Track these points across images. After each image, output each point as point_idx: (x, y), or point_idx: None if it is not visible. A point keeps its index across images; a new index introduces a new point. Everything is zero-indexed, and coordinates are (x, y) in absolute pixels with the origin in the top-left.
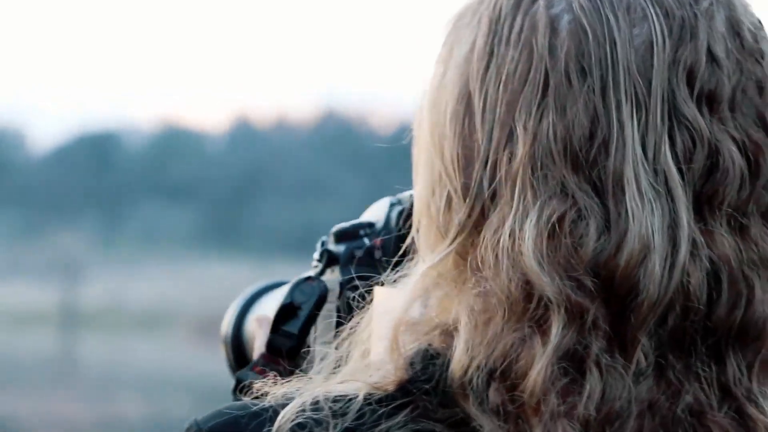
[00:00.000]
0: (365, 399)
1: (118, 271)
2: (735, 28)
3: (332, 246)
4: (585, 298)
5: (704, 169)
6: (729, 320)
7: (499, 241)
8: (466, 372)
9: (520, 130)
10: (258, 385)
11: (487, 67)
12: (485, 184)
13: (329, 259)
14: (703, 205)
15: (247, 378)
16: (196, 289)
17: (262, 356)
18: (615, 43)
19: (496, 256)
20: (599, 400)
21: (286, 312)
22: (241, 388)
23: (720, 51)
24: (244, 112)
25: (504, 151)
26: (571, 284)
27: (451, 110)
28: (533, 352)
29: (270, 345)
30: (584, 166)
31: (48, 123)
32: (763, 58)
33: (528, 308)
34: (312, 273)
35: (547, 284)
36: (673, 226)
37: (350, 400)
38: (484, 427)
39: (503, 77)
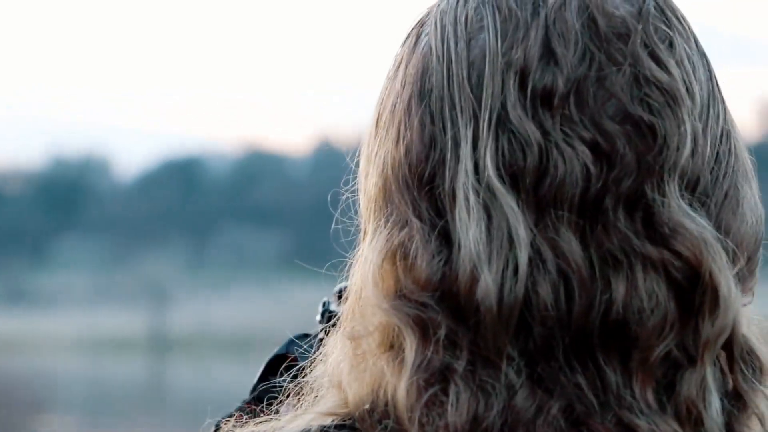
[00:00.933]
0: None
1: (206, 296)
2: (591, 15)
3: (335, 306)
4: (432, 315)
5: (536, 175)
6: (587, 324)
7: (354, 275)
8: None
9: (372, 162)
10: (227, 427)
11: (376, 109)
12: (362, 221)
13: (330, 320)
14: (543, 210)
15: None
16: (283, 312)
17: (245, 403)
18: (451, 60)
19: (354, 290)
20: (469, 414)
21: (278, 363)
22: None
23: (559, 46)
24: (327, 133)
25: (365, 184)
26: (415, 305)
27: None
28: (395, 377)
29: (252, 392)
30: (424, 188)
31: (134, 149)
32: (628, 41)
33: (385, 337)
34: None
35: (387, 311)
36: (507, 239)
37: None
38: None
39: (380, 117)
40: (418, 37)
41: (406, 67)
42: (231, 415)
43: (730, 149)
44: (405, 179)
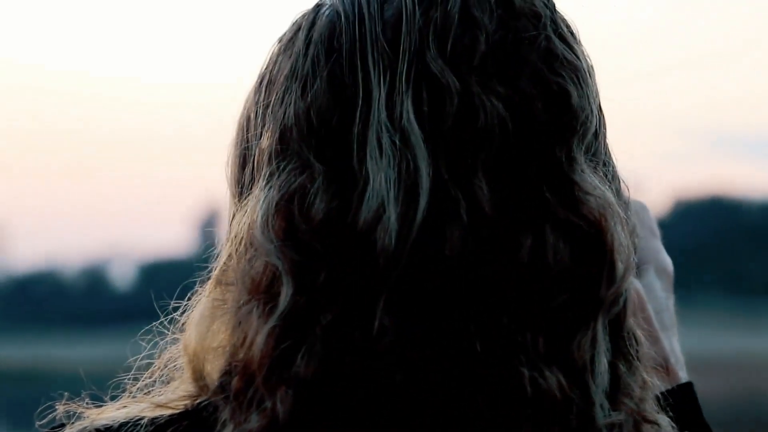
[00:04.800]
0: (151, 422)
1: None
2: None
3: None
4: (316, 262)
5: (456, 122)
6: (490, 272)
7: (237, 222)
8: (201, 364)
9: (269, 121)
10: (80, 408)
11: (261, 80)
12: (248, 181)
13: None
14: (459, 157)
15: None
16: None
17: None
18: (363, 19)
19: (234, 241)
20: (319, 364)
21: None
22: None
23: (478, 12)
24: None
25: (258, 145)
26: (299, 249)
27: (234, 134)
28: (258, 322)
29: None
30: (328, 136)
31: None
32: (539, 21)
33: (261, 282)
34: None
35: (271, 252)
36: (412, 180)
37: (135, 425)
38: (222, 413)
39: (271, 83)
40: (317, 9)
41: (309, 31)
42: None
43: (606, 142)
44: (310, 126)
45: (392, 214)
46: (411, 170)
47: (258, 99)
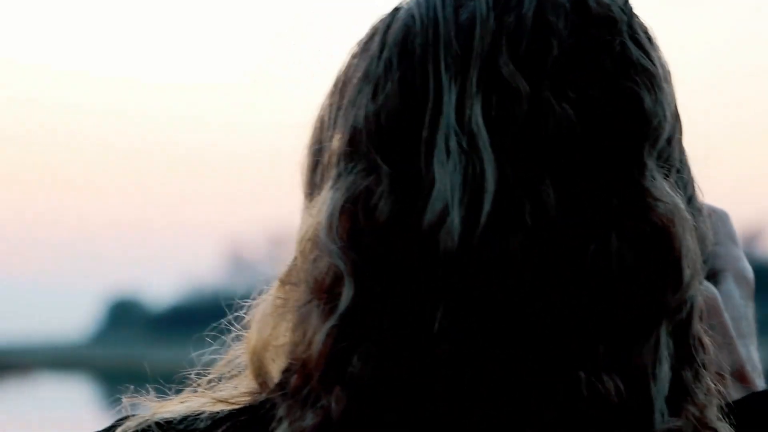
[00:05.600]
0: (211, 417)
1: None
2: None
3: None
4: (378, 264)
5: (524, 126)
6: (552, 278)
7: (305, 221)
8: (262, 361)
9: (340, 123)
10: (147, 401)
11: (336, 83)
12: (319, 182)
13: None
14: (528, 163)
15: None
16: None
17: None
18: (438, 23)
19: (302, 242)
20: (377, 362)
21: None
22: None
23: (552, 16)
24: None
25: (329, 146)
26: (362, 251)
27: (308, 136)
28: (318, 322)
29: None
30: (397, 138)
31: None
32: (615, 26)
33: (324, 282)
34: None
35: (334, 253)
36: (478, 184)
37: (195, 419)
38: (279, 410)
39: (345, 85)
40: (395, 12)
41: (384, 34)
42: None
43: (682, 148)
44: (379, 129)
45: (456, 216)
46: (477, 174)
47: (332, 101)
